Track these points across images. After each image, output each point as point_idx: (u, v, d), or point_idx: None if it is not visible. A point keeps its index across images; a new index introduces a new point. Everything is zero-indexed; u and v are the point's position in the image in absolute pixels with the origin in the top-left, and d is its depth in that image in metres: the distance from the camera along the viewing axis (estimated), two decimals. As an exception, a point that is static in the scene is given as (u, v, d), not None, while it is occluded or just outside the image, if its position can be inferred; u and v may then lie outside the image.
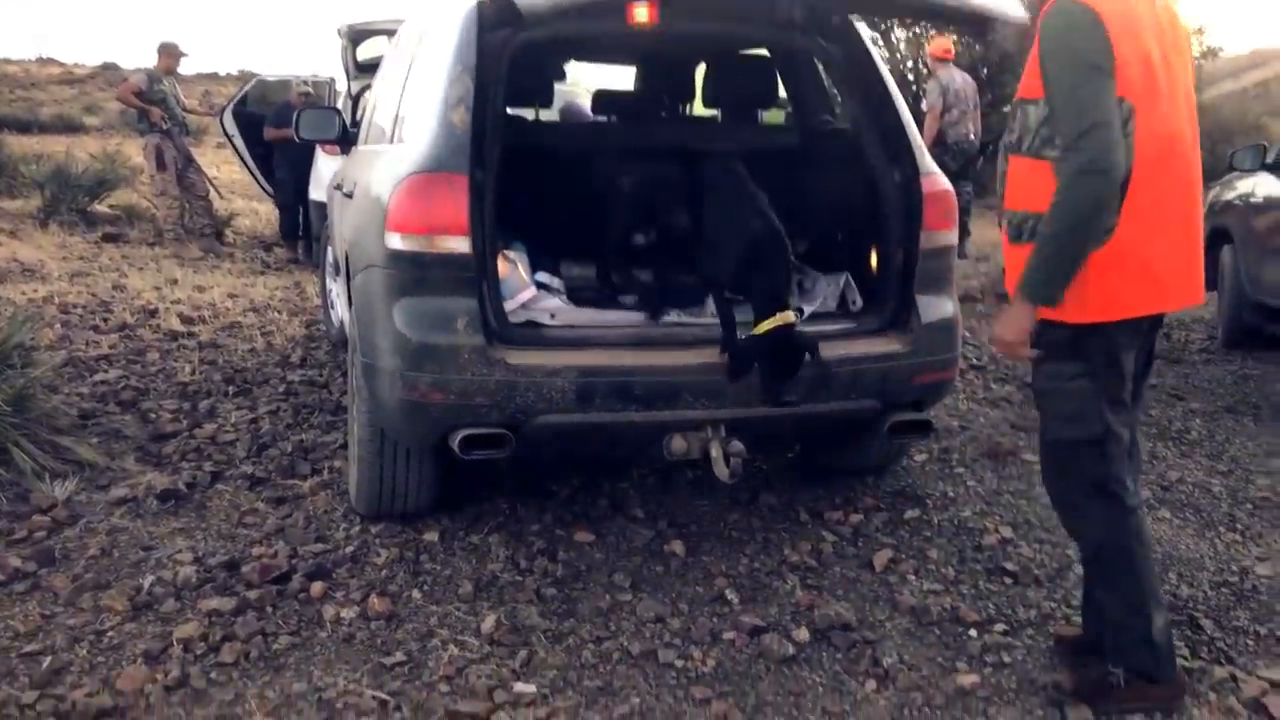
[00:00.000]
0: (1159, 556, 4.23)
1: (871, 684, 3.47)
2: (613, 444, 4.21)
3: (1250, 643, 3.63)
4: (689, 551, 4.29)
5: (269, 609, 3.81)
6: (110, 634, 3.63)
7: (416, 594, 3.94)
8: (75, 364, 6.33)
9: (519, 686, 3.41)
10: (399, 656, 3.56)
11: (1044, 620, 3.81)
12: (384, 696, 3.35)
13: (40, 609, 3.78)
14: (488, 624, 3.73)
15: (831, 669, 3.56)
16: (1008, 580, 4.11)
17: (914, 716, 3.31)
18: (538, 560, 4.19)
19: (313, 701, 3.32)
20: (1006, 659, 3.58)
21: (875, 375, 3.99)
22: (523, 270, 4.17)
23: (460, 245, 3.75)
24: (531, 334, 3.92)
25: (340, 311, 5.94)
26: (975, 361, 6.72)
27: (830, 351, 3.91)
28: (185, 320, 7.34)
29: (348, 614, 3.79)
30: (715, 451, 3.93)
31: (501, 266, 4.02)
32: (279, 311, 7.83)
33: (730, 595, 4.00)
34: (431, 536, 4.32)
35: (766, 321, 3.84)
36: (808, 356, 3.81)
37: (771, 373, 3.80)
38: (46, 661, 3.44)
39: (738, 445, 3.93)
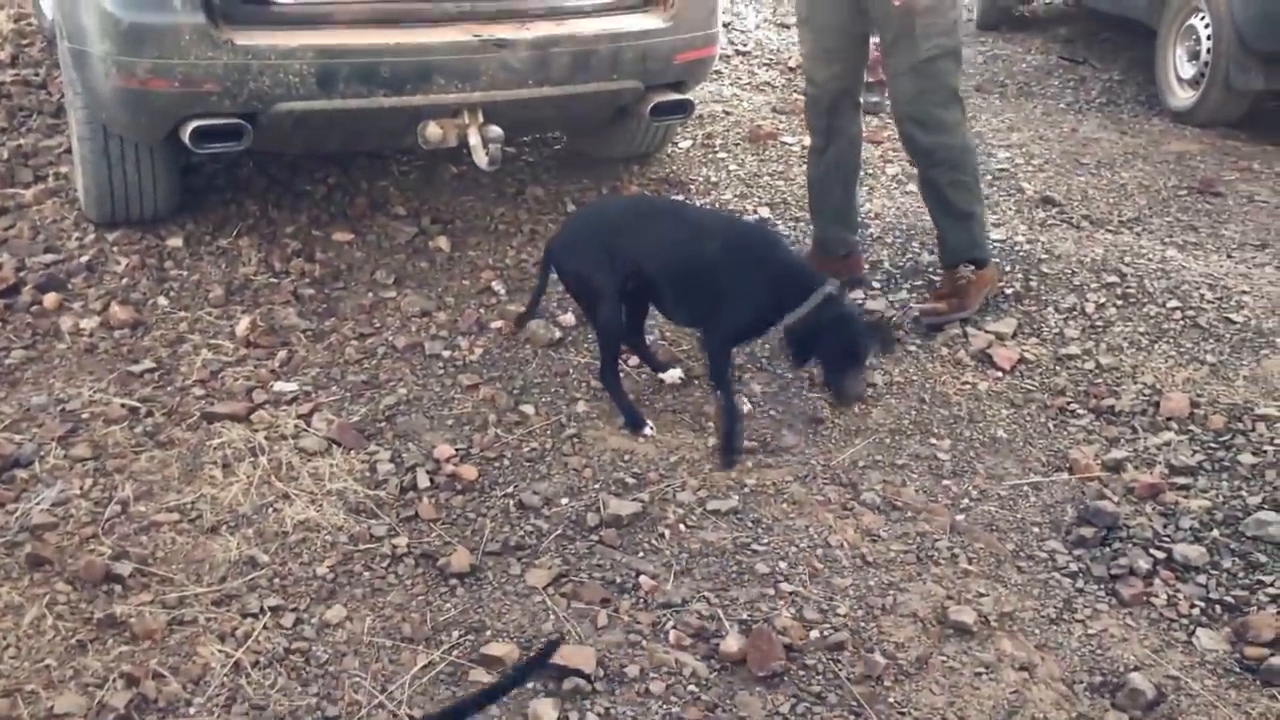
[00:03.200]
0: (906, 228, 4.45)
1: (634, 359, 3.57)
2: (363, 134, 3.97)
3: (981, 302, 3.90)
4: (454, 247, 4.21)
5: (-3, 324, 3.55)
6: None
7: (162, 301, 3.74)
8: None
9: (279, 385, 3.35)
10: (148, 364, 3.41)
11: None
12: (134, 404, 3.22)
13: None
14: (242, 327, 3.60)
15: (596, 350, 3.62)
16: (765, 257, 4.23)
17: (674, 388, 3.45)
18: (293, 261, 4.02)
19: (55, 413, 3.16)
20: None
21: (636, 53, 3.86)
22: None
23: (167, -94, 3.30)
24: (261, 12, 3.55)
25: (49, 2, 5.26)
26: (740, 47, 6.66)
27: (590, 28, 3.74)
28: None
29: (87, 324, 3.57)
30: (474, 138, 3.77)
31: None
32: (-21, 4, 6.90)
33: (497, 287, 3.98)
34: (175, 242, 4.05)
35: None
36: None
37: None
38: None
39: (496, 130, 3.77)
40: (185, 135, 3.50)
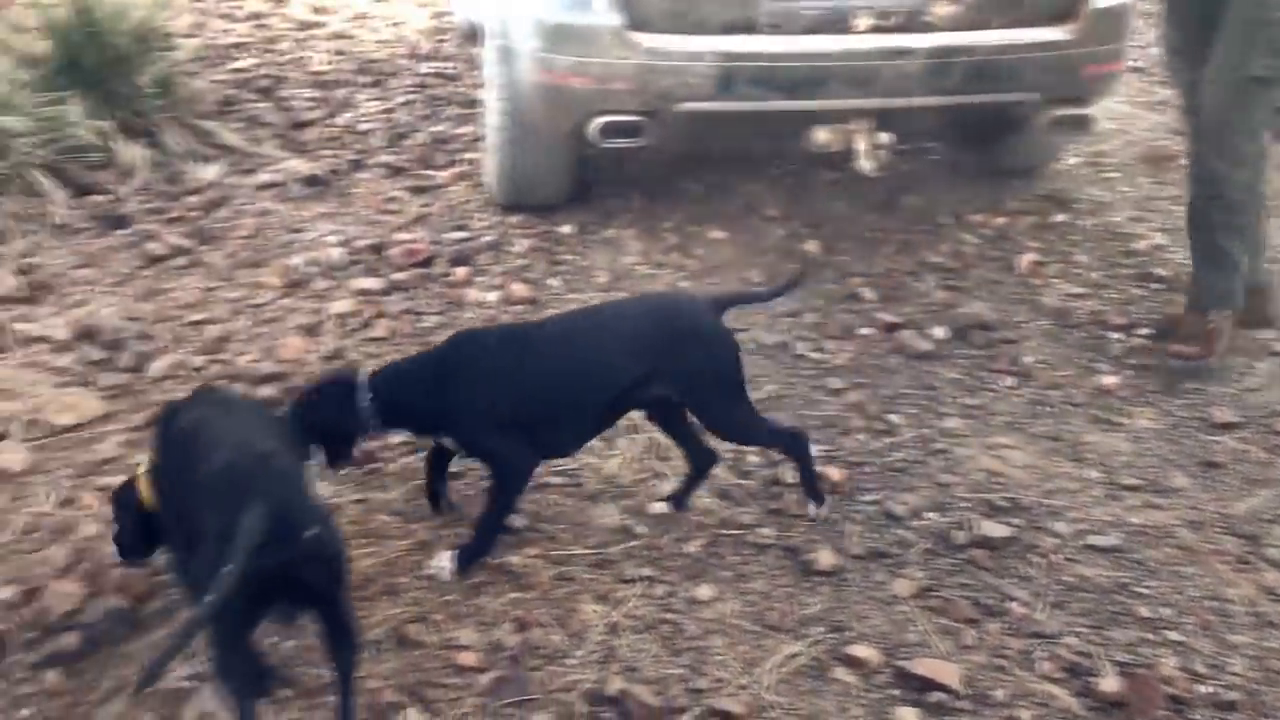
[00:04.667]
0: None
1: (1010, 381, 3.47)
2: (754, 135, 4.10)
3: None
4: (824, 251, 4.24)
5: (415, 290, 3.93)
6: (268, 308, 3.81)
7: (554, 282, 4.01)
8: (211, 51, 6.36)
9: (656, 370, 3.49)
10: (540, 339, 3.66)
11: (1193, 326, 3.71)
12: (527, 373, 3.47)
13: (201, 283, 3.97)
14: (621, 313, 3.79)
15: (969, 366, 3.55)
16: (1156, 285, 3.99)
17: (1051, 413, 3.31)
18: (671, 255, 4.20)
19: (461, 375, 3.46)
20: (1151, 362, 3.53)
21: (1038, 65, 3.74)
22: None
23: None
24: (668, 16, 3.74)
25: (464, 3, 5.77)
26: (1137, 63, 6.27)
27: (992, 38, 3.66)
28: (315, 9, 7.25)
29: (490, 297, 3.89)
30: (863, 142, 3.79)
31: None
32: (405, 2, 7.68)
33: (866, 293, 3.97)
34: (567, 229, 4.34)
35: None
36: None
37: None
38: (213, 330, 3.64)
39: (886, 137, 3.78)
40: (592, 129, 3.74)
